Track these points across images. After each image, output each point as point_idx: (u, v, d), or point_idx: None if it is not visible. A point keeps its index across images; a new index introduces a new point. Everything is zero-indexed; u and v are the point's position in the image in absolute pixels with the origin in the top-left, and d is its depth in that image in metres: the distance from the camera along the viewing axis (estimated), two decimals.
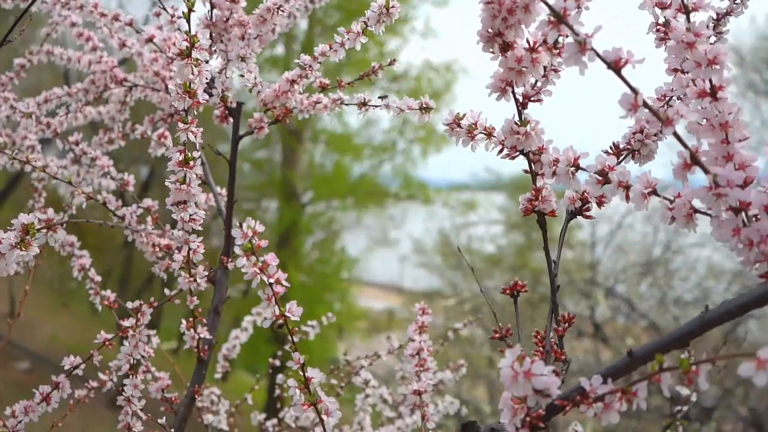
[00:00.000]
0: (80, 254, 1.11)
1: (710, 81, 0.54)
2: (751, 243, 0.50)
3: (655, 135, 0.68)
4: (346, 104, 0.96)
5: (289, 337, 0.64)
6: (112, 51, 1.23)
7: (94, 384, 1.12)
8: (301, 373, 0.65)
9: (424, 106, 0.85)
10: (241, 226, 0.61)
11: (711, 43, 0.72)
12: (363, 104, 0.94)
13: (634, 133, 0.69)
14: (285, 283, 0.63)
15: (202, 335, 0.96)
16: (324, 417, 0.64)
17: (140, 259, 1.07)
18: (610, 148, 0.70)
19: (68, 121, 1.25)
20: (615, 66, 0.51)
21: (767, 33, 8.23)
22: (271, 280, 0.62)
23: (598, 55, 0.50)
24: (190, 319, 0.96)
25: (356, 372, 1.33)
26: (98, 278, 1.09)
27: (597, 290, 5.91)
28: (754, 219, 0.53)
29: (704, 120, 0.56)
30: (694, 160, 0.51)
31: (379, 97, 0.93)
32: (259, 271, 0.62)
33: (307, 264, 10.89)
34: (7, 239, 0.67)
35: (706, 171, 0.51)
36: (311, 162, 11.69)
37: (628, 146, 0.69)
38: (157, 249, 1.02)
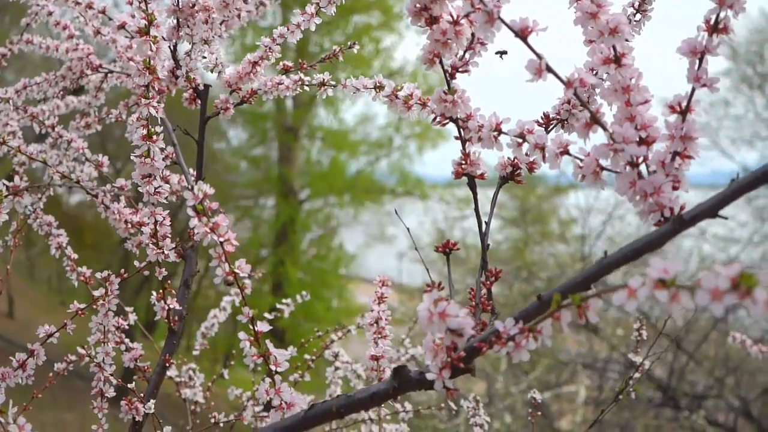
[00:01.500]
0: (57, 233, 1.16)
1: (614, 48, 0.58)
2: (646, 194, 0.55)
3: (582, 105, 0.73)
4: (307, 85, 1.01)
5: (239, 292, 0.69)
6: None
7: (73, 358, 1.17)
8: (251, 327, 0.70)
9: (378, 85, 0.90)
10: (192, 189, 0.66)
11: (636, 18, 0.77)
12: (322, 84, 0.99)
13: (562, 104, 0.74)
14: (234, 242, 0.68)
15: (172, 306, 1.01)
16: (273, 367, 0.69)
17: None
18: (541, 117, 0.74)
19: (50, 109, 1.30)
20: (522, 34, 0.55)
21: (760, 26, 8.26)
22: (222, 239, 0.67)
23: (506, 24, 0.55)
24: (161, 290, 1.00)
25: (327, 346, 1.38)
26: (75, 256, 1.14)
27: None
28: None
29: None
30: (594, 119, 0.56)
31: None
32: (209, 231, 0.67)
33: (305, 261, 10.94)
34: None
35: (605, 129, 0.56)
36: (308, 159, 11.75)
37: (558, 116, 0.74)
38: (129, 226, 1.07)
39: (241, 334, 0.70)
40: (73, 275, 1.12)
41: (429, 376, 0.59)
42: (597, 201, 6.90)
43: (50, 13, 1.24)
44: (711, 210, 0.52)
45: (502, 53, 0.81)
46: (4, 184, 0.71)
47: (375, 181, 11.74)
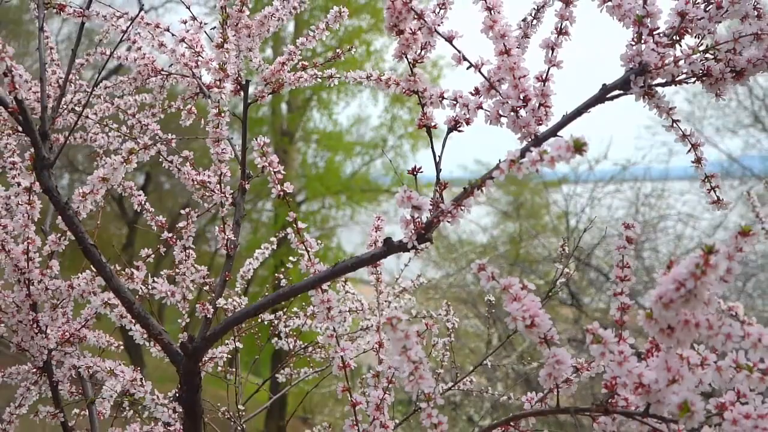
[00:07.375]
0: (138, 194, 1.58)
1: (504, 45, 1.01)
2: (521, 127, 0.98)
3: (498, 81, 1.15)
4: (320, 78, 1.44)
5: (288, 205, 1.11)
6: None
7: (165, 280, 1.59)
8: (295, 225, 1.12)
9: (369, 75, 1.32)
10: (256, 139, 1.09)
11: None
12: (331, 77, 1.42)
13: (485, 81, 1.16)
14: (283, 171, 1.10)
15: (229, 236, 1.43)
16: (308, 250, 1.12)
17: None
18: (474, 89, 1.17)
19: (128, 103, 1.73)
20: (448, 39, 0.98)
21: (738, 21, 8.67)
22: (275, 170, 1.10)
23: (439, 34, 0.98)
24: (220, 225, 1.43)
25: (342, 282, 1.81)
26: (152, 209, 1.56)
27: (571, 261, 6.40)
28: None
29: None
30: (491, 86, 0.99)
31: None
32: (267, 165, 1.09)
33: None
34: (117, 159, 1.14)
35: (497, 91, 0.99)
36: (304, 162, 12.16)
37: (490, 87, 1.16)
38: (194, 182, 1.49)
39: (288, 229, 1.12)
40: (153, 222, 1.54)
41: (404, 239, 1.01)
42: (582, 188, 7.38)
43: (123, 32, 1.66)
44: (553, 131, 0.94)
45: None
46: (135, 142, 1.13)
47: (370, 182, 12.12)
